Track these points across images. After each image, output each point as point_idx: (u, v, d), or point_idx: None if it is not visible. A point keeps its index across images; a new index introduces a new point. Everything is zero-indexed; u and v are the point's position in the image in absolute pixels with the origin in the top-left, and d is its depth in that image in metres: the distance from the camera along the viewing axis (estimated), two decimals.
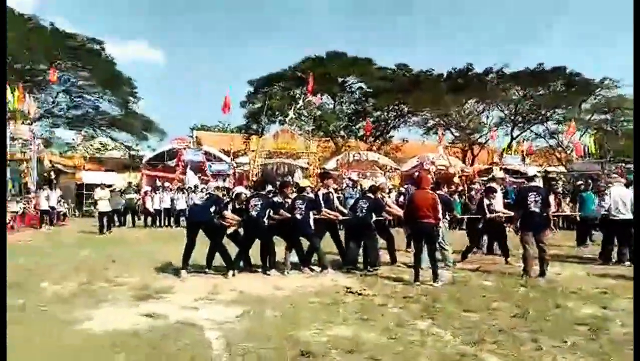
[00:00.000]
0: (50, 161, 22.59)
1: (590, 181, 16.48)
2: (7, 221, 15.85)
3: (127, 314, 5.16)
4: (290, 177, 22.13)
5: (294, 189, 8.53)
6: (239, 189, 9.31)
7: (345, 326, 4.71)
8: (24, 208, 17.06)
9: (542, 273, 7.27)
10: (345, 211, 8.54)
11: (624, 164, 23.17)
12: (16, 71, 27.34)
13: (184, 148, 23.44)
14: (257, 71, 77.02)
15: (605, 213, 8.75)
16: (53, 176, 20.87)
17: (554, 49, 70.89)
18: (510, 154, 28.39)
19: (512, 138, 34.33)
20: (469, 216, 10.51)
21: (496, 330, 4.56)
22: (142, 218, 18.33)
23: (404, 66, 35.67)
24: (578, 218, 11.97)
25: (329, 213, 8.08)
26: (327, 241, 8.37)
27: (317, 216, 7.96)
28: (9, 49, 26.73)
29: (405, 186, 13.80)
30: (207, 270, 7.64)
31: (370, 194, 8.32)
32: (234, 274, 7.30)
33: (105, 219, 14.87)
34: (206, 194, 8.35)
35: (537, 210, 7.43)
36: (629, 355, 3.84)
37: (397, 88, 33.45)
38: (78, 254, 9.74)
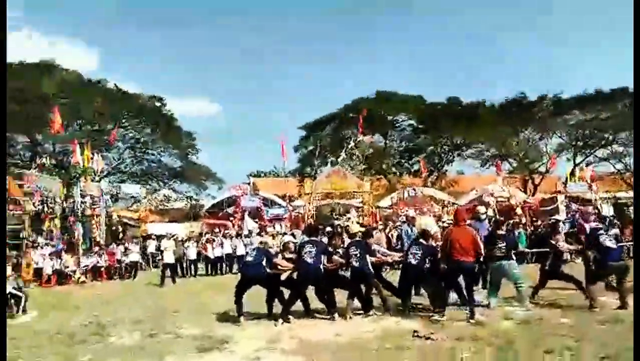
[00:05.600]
0: (118, 216, 23.75)
1: None
2: (79, 276, 16.66)
3: None
4: (345, 217, 22.07)
5: (344, 237, 8.43)
6: (287, 238, 9.35)
7: None
8: (98, 261, 17.81)
9: (622, 305, 6.84)
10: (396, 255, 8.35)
11: None
12: (85, 132, 29.38)
13: (242, 195, 23.97)
14: (309, 116, 78.69)
15: None
16: (120, 230, 21.85)
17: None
18: (574, 181, 26.97)
19: (575, 164, 32.74)
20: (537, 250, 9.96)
21: None
22: (204, 265, 18.61)
23: (454, 98, 35.26)
24: None
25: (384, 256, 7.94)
26: None
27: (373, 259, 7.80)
28: (80, 113, 29.03)
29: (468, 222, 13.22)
30: (268, 318, 7.58)
31: (422, 241, 7.97)
32: (287, 321, 7.16)
33: (169, 270, 15.18)
34: (253, 249, 8.33)
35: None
36: None
37: (448, 121, 33.02)
38: (143, 306, 9.99)
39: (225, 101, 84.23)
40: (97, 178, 21.97)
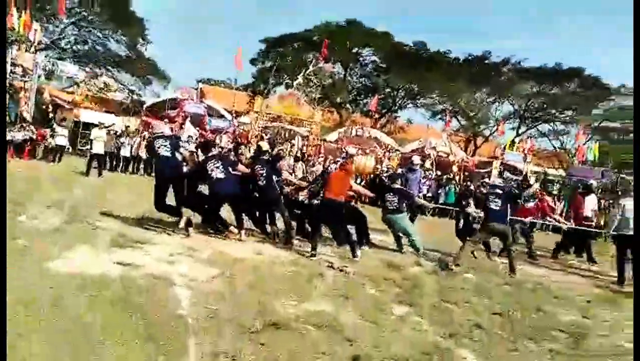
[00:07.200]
0: (50, 94, 22.17)
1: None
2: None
3: (100, 259, 5.04)
4: (290, 143, 21.89)
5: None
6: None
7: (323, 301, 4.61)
8: (29, 137, 16.77)
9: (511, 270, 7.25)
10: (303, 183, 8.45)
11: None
12: None
13: (187, 99, 22.93)
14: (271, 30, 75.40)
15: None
16: (50, 109, 20.50)
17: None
18: (512, 150, 28.09)
19: (517, 134, 34.02)
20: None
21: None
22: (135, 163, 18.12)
23: (422, 44, 34.86)
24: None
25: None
26: None
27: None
28: None
29: (401, 170, 13.47)
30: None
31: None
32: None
33: (96, 162, 14.60)
34: (164, 140, 7.34)
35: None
36: None
37: (411, 67, 32.79)
38: (63, 193, 9.57)
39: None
40: (32, 49, 20.15)
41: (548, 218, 10.50)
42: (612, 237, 8.70)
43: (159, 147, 7.19)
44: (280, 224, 7.64)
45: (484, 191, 8.12)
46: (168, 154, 7.18)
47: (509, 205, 7.44)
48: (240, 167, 7.55)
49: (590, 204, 10.39)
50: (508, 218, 7.52)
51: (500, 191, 7.54)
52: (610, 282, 7.78)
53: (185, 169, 7.62)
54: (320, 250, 6.87)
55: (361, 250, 7.16)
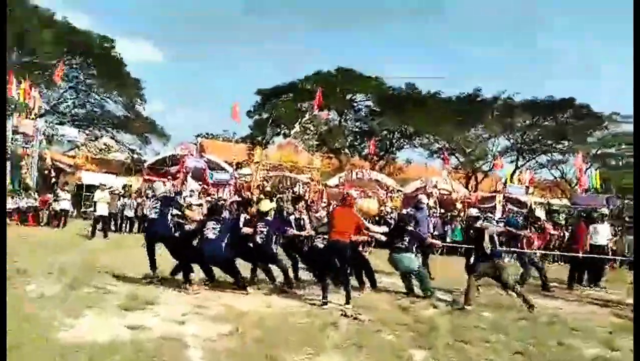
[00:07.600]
0: (52, 159, 22.44)
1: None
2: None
3: (111, 324, 4.95)
4: (291, 190, 21.97)
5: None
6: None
7: (337, 353, 4.50)
8: (32, 205, 16.87)
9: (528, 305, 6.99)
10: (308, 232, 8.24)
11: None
12: (24, 64, 27.22)
13: (187, 155, 23.15)
14: (266, 82, 77.21)
15: None
16: (53, 174, 20.69)
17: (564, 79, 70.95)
18: (514, 183, 28.15)
19: (517, 167, 34.17)
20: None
21: None
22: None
23: (412, 85, 35.60)
24: None
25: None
26: None
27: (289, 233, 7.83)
28: (22, 42, 26.81)
29: (406, 210, 13.42)
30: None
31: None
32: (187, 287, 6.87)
33: (101, 224, 14.48)
34: (154, 201, 7.68)
35: None
36: None
37: (403, 109, 33.35)
38: (70, 258, 9.50)
39: (182, 57, 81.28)
40: (32, 116, 20.55)
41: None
42: (627, 264, 8.59)
43: (149, 210, 7.46)
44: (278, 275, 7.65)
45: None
46: (155, 215, 7.35)
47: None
48: (245, 229, 7.52)
49: (604, 232, 10.31)
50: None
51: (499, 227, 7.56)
52: (630, 310, 7.61)
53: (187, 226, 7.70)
54: (331, 297, 6.72)
55: (365, 292, 7.54)
